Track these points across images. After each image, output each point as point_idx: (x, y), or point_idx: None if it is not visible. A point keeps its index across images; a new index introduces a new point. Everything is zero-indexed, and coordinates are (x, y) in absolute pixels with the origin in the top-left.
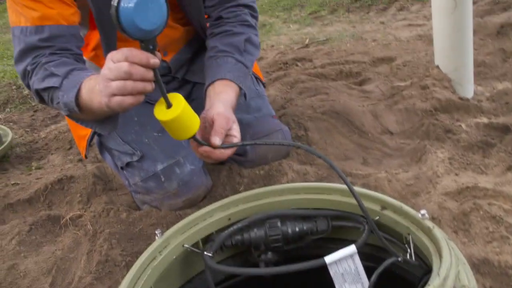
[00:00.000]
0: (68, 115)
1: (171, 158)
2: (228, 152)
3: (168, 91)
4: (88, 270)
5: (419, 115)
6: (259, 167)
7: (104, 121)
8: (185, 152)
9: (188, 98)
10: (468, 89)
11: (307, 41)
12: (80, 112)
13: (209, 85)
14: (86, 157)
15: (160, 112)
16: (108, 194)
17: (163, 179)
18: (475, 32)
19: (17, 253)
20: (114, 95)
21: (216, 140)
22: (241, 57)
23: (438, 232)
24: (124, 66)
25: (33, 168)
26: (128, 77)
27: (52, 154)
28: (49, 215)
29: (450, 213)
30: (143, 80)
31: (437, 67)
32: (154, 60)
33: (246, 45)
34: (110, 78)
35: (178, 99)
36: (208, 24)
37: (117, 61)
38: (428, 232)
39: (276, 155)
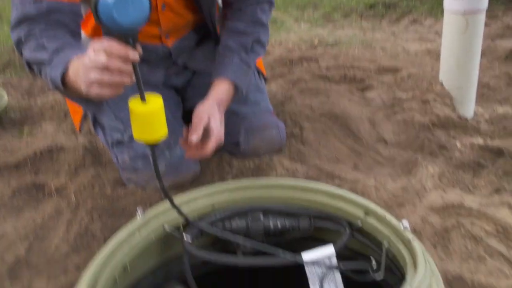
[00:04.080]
0: (53, 90)
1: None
2: (207, 151)
3: (169, 77)
4: (66, 240)
5: (416, 128)
6: (250, 159)
7: (88, 101)
8: (176, 136)
9: (188, 85)
10: (469, 109)
11: (316, 41)
12: (65, 90)
13: (211, 82)
14: (80, 130)
15: (135, 104)
16: (96, 168)
17: (151, 160)
18: (484, 54)
19: None
20: (92, 84)
21: (192, 137)
22: (246, 56)
23: (417, 244)
24: (102, 58)
25: (25, 133)
26: (105, 69)
27: (45, 122)
28: (34, 182)
29: (432, 228)
30: (121, 73)
31: (441, 83)
32: (134, 54)
33: (254, 45)
34: (88, 67)
35: (157, 99)
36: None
37: (97, 51)
38: (407, 243)
39: (269, 149)
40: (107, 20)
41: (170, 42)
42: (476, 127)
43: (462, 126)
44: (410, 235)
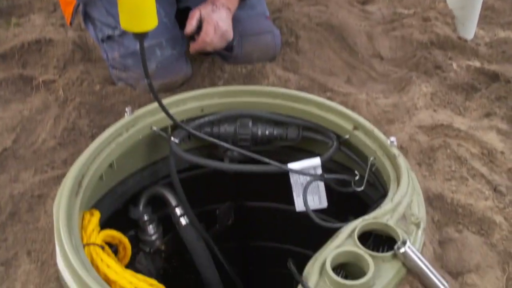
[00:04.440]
0: None
1: (153, 39)
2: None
3: None
4: (53, 134)
5: (413, 45)
6: (242, 65)
7: None
8: (170, 35)
9: None
10: (470, 30)
11: None
12: None
13: None
14: (71, 24)
15: None
16: (86, 64)
17: None
18: None
19: None
20: None
21: (187, 29)
22: None
23: (402, 160)
24: None
25: (12, 24)
26: None
27: (34, 13)
28: (22, 74)
29: (419, 146)
30: None
31: (444, 1)
32: None
33: None
34: None
35: None
36: None
37: None
38: (392, 159)
39: (262, 55)
40: None
41: None
42: (474, 49)
43: (460, 47)
44: (396, 151)
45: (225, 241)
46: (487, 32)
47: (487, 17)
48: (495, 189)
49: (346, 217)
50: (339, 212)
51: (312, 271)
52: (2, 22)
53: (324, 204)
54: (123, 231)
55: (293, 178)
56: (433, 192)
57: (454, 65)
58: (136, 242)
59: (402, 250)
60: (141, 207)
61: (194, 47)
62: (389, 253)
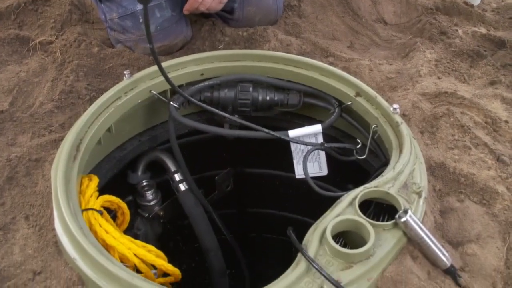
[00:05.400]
0: None
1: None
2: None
3: None
4: (50, 97)
5: (418, 10)
6: (243, 28)
7: None
8: None
9: None
10: None
11: None
12: None
13: None
14: None
15: None
16: (83, 25)
17: (141, 20)
18: None
19: None
20: None
21: None
22: None
23: (404, 128)
24: None
25: None
26: None
27: None
28: (18, 35)
29: (422, 114)
30: None
31: None
32: None
33: None
34: None
35: None
36: None
37: None
38: (395, 127)
39: (264, 19)
40: None
41: None
42: (481, 15)
43: (466, 12)
44: (398, 119)
45: (224, 207)
46: None
47: None
48: (498, 159)
49: (346, 185)
50: (340, 179)
51: (312, 239)
52: None
53: (324, 171)
54: (122, 196)
55: (294, 145)
56: (435, 161)
57: (460, 32)
58: (135, 207)
59: (403, 219)
60: (139, 172)
61: (186, 6)
62: (390, 222)
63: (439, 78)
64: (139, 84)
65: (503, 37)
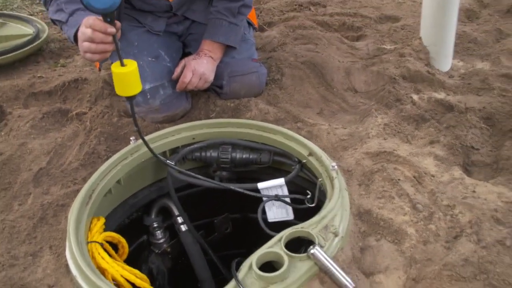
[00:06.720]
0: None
1: (158, 81)
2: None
3: (170, 26)
4: (77, 157)
5: (385, 80)
6: (231, 100)
7: None
8: (170, 78)
9: (186, 33)
10: (445, 64)
11: None
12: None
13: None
14: (100, 69)
15: (116, 67)
16: (112, 99)
17: (148, 96)
18: (488, 5)
19: (28, 134)
20: (85, 52)
21: (173, 76)
22: (234, 19)
23: (337, 182)
24: (88, 32)
25: (59, 65)
26: (91, 40)
27: (78, 55)
28: (61, 108)
29: (362, 169)
30: (104, 43)
31: (420, 38)
32: (111, 29)
33: (241, 9)
34: (81, 39)
35: (132, 64)
36: None
37: (86, 27)
38: (331, 181)
39: (248, 92)
40: (87, 4)
41: None
42: (441, 82)
43: (428, 80)
44: (334, 174)
45: (227, 249)
46: (466, 63)
47: (469, 49)
48: (414, 207)
49: None
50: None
51: (244, 266)
52: (52, 63)
53: (291, 216)
54: (137, 235)
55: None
56: (364, 208)
57: (415, 97)
58: (148, 245)
59: (311, 251)
60: (153, 216)
61: (177, 86)
62: (304, 254)
63: (384, 139)
64: (143, 147)
65: (454, 101)
